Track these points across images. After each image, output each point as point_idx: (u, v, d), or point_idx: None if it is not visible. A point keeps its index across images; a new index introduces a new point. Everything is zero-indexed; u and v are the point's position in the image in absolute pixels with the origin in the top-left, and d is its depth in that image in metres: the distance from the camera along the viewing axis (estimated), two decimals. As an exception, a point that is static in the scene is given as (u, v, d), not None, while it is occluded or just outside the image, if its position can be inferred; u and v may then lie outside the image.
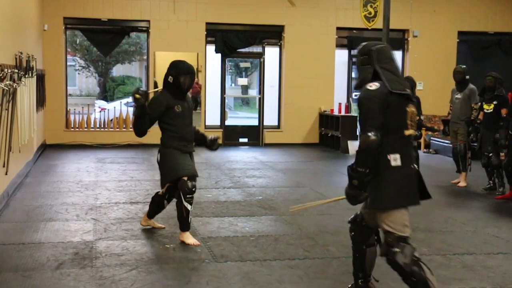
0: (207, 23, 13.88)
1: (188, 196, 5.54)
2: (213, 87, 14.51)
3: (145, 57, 16.59)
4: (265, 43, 14.55)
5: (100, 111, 16.72)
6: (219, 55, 14.26)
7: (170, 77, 5.66)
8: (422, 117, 9.18)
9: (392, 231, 3.74)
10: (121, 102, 19.21)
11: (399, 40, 14.69)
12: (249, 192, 8.36)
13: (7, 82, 6.70)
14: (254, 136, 14.48)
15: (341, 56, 15.15)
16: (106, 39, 13.90)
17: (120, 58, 29.44)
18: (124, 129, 13.66)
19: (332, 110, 14.15)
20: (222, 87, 14.52)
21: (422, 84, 13.97)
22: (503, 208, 7.71)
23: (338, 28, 14.55)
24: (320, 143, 14.47)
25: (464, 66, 9.25)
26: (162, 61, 13.12)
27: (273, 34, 14.44)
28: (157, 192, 6.06)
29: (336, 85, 14.74)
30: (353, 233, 4.13)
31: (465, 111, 8.98)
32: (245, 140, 14.44)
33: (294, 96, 14.33)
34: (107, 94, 30.58)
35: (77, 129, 13.61)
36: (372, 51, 3.87)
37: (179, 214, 5.60)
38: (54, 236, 5.86)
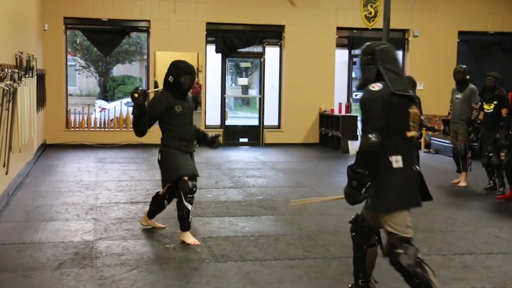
0: (207, 23, 13.88)
1: (188, 196, 5.55)
2: (213, 87, 14.51)
3: (145, 57, 16.59)
4: (265, 43, 14.55)
5: (101, 111, 16.72)
6: (219, 55, 14.25)
7: (170, 77, 5.66)
8: (422, 117, 9.17)
9: (395, 232, 3.73)
10: (121, 102, 19.21)
11: (400, 40, 14.68)
12: (249, 192, 8.36)
13: (8, 82, 6.70)
14: (254, 136, 14.48)
15: (342, 56, 15.15)
16: (106, 39, 13.90)
17: (121, 58, 29.46)
18: (125, 129, 13.66)
19: (332, 110, 14.15)
20: (222, 87, 14.52)
21: (423, 84, 13.96)
22: (503, 208, 7.71)
23: (338, 28, 14.55)
24: (320, 143, 14.47)
25: (465, 66, 9.24)
26: (162, 61, 13.12)
27: (273, 34, 14.44)
28: (158, 192, 6.07)
29: (336, 85, 14.74)
30: (354, 234, 4.12)
31: (465, 111, 8.98)
32: (245, 140, 14.44)
33: (295, 96, 14.33)
34: (107, 94, 30.60)
35: (77, 129, 13.61)
36: (376, 51, 3.85)
37: (179, 214, 5.61)
38: (55, 236, 5.86)
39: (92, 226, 6.29)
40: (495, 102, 8.54)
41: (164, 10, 13.63)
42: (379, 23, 11.27)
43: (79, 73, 31.74)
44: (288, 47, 14.33)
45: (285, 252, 5.48)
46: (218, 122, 14.27)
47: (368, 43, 4.00)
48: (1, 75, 6.49)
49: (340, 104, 13.99)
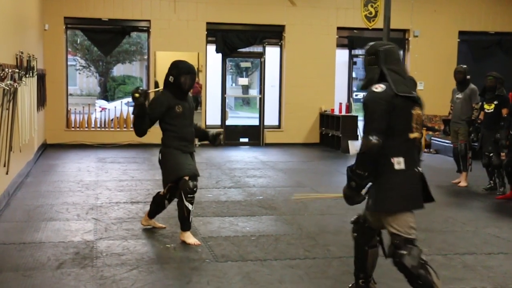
0: (207, 23, 13.88)
1: (189, 195, 5.54)
2: (213, 87, 14.51)
3: (145, 57, 16.60)
4: (266, 43, 14.55)
5: (101, 111, 16.73)
6: (220, 55, 14.25)
7: (171, 77, 5.66)
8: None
9: (398, 233, 3.72)
10: (121, 102, 19.24)
11: (400, 40, 14.68)
12: (250, 192, 8.36)
13: (8, 82, 6.70)
14: (254, 136, 14.48)
15: (342, 56, 15.15)
16: (106, 39, 13.90)
17: (121, 57, 29.47)
18: (125, 129, 13.66)
19: (332, 110, 14.14)
20: (223, 87, 14.52)
21: (423, 84, 13.96)
22: (503, 208, 7.71)
23: (338, 28, 14.54)
24: (321, 143, 14.47)
25: (465, 66, 9.24)
26: (162, 60, 13.11)
27: (273, 34, 14.44)
28: (158, 192, 6.07)
29: (336, 85, 14.73)
30: (355, 234, 4.10)
31: (465, 111, 8.97)
32: (246, 140, 14.44)
33: (295, 96, 14.33)
34: (107, 93, 30.62)
35: (77, 129, 13.61)
36: (379, 51, 3.83)
37: (180, 214, 5.61)
38: (55, 236, 5.86)
39: (92, 226, 6.29)
40: (495, 102, 8.53)
41: (165, 10, 13.63)
42: (379, 23, 11.27)
43: (79, 73, 31.77)
44: (288, 47, 14.33)
45: (285, 252, 5.48)
46: (218, 122, 14.26)
47: (372, 43, 3.98)
48: (2, 75, 6.49)
49: (340, 104, 13.99)
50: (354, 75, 15.95)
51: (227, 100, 15.16)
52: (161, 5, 13.63)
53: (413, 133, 3.77)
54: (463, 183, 9.14)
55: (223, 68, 14.55)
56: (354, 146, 13.01)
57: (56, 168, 10.33)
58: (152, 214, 6.14)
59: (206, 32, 13.89)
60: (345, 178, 3.86)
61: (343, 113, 13.76)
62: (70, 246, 5.52)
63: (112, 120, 14.06)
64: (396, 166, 3.71)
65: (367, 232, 4.04)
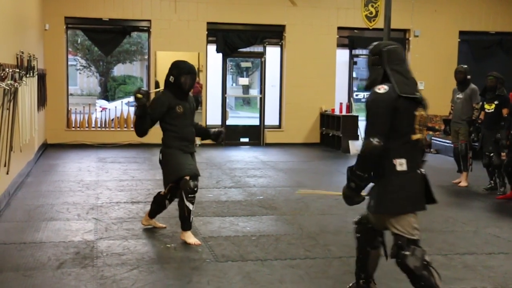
0: (208, 23, 13.88)
1: (190, 195, 5.55)
2: (214, 86, 14.51)
3: (146, 57, 16.59)
4: (266, 43, 14.56)
5: (101, 111, 16.74)
6: (220, 54, 14.26)
7: (171, 77, 5.67)
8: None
9: (401, 234, 3.71)
10: (122, 101, 19.25)
11: (400, 40, 14.66)
12: (250, 192, 8.36)
13: (8, 82, 6.70)
14: (255, 135, 14.48)
15: (342, 56, 15.15)
16: (107, 39, 13.91)
17: (121, 57, 29.47)
18: (125, 129, 13.66)
19: (333, 110, 14.14)
20: (223, 86, 14.53)
21: (423, 84, 13.95)
22: (504, 208, 7.71)
23: (339, 28, 14.54)
24: (321, 143, 14.47)
25: (466, 66, 9.23)
26: (163, 60, 13.11)
27: (274, 33, 14.44)
28: (159, 192, 6.07)
29: (337, 85, 14.73)
30: (358, 235, 4.08)
31: (466, 111, 8.97)
32: (246, 139, 14.44)
33: (295, 95, 14.32)
34: (108, 93, 30.61)
35: (78, 129, 13.62)
36: (383, 51, 3.81)
37: (180, 214, 5.61)
38: (55, 236, 5.86)
39: (93, 225, 6.29)
40: (496, 102, 8.53)
41: (165, 10, 13.63)
42: (380, 23, 11.30)
43: (80, 73, 31.76)
44: (289, 47, 14.32)
45: (286, 252, 5.48)
46: (219, 122, 14.26)
47: (375, 43, 3.96)
48: (2, 74, 6.49)
49: (341, 104, 13.98)
50: (354, 75, 15.95)
51: (227, 100, 15.15)
52: (162, 5, 13.62)
53: (415, 134, 3.75)
54: (463, 183, 9.14)
55: (224, 68, 14.55)
56: (355, 146, 13.02)
57: (57, 168, 10.33)
58: (152, 214, 6.14)
59: (206, 32, 13.89)
60: (346, 178, 3.86)
61: (344, 113, 13.76)
62: (71, 246, 5.52)
63: (112, 120, 14.07)
64: (398, 168, 3.70)
65: (370, 233, 4.02)
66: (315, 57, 14.28)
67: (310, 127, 14.54)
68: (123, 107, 15.47)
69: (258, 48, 14.91)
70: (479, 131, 8.78)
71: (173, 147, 5.66)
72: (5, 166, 6.91)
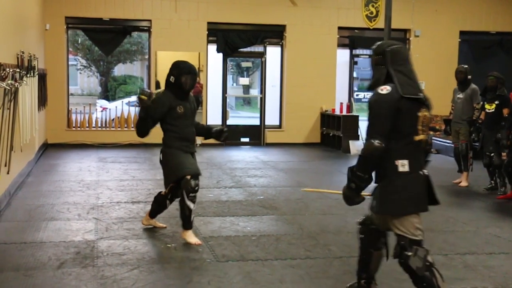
0: (208, 23, 13.88)
1: (191, 194, 5.55)
2: (214, 86, 14.51)
3: (146, 57, 16.60)
4: (267, 43, 14.55)
5: (102, 111, 16.73)
6: (221, 54, 14.26)
7: (172, 77, 5.67)
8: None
9: (404, 234, 3.70)
10: (122, 101, 19.23)
11: (401, 39, 14.64)
12: (251, 192, 8.36)
13: (9, 82, 6.70)
14: (255, 135, 14.48)
15: (343, 55, 15.15)
16: (107, 39, 13.91)
17: (122, 57, 29.46)
18: (126, 129, 13.66)
19: (333, 110, 14.14)
20: (224, 86, 14.53)
21: (424, 84, 13.89)
22: (504, 208, 7.71)
23: (339, 28, 14.54)
24: (322, 142, 14.47)
25: (466, 66, 9.23)
26: (163, 60, 13.12)
27: (274, 33, 14.43)
28: (160, 192, 6.07)
29: (337, 85, 14.73)
30: (362, 236, 4.06)
31: (467, 111, 8.97)
32: (247, 139, 14.44)
33: (296, 95, 14.32)
34: (108, 93, 30.60)
35: (78, 129, 13.62)
36: (386, 51, 3.79)
37: (181, 213, 5.61)
38: (56, 236, 5.87)
39: (93, 225, 6.29)
40: (496, 102, 8.53)
41: (166, 10, 13.63)
42: (380, 23, 11.30)
43: (80, 73, 31.76)
44: (289, 47, 14.32)
45: (286, 251, 5.48)
46: (219, 122, 14.25)
47: (379, 42, 3.94)
48: (3, 74, 6.49)
49: (341, 104, 13.98)
50: (355, 75, 15.94)
51: (228, 100, 15.15)
52: (162, 5, 13.63)
53: (418, 135, 3.73)
54: (464, 183, 9.13)
55: (224, 67, 14.55)
56: (355, 146, 13.02)
57: (57, 167, 10.33)
58: (153, 213, 6.14)
59: (207, 32, 13.89)
60: (346, 178, 3.86)
61: (344, 113, 13.77)
62: (71, 245, 5.52)
63: (113, 119, 14.07)
64: (400, 169, 3.68)
65: (374, 234, 4.00)
66: (316, 57, 14.27)
67: (311, 127, 14.54)
68: (123, 107, 15.45)
69: (258, 48, 14.91)
70: (479, 131, 8.78)
71: (173, 147, 5.67)
72: (5, 165, 6.91)
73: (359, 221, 4.12)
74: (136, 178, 9.26)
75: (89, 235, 5.92)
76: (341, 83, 15.01)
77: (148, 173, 9.77)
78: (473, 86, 9.02)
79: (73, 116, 13.79)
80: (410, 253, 3.67)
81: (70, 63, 14.89)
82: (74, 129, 13.58)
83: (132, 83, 30.49)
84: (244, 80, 21.64)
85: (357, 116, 13.78)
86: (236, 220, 6.67)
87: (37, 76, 9.77)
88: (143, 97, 5.56)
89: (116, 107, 15.60)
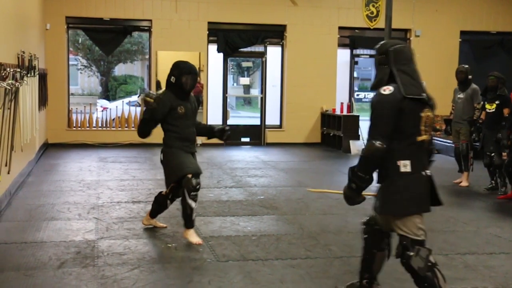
0: (209, 23, 13.88)
1: (192, 193, 5.54)
2: (215, 86, 14.51)
3: (147, 57, 16.59)
4: (267, 43, 14.55)
5: (102, 111, 16.74)
6: (221, 54, 14.26)
7: (172, 77, 5.68)
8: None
9: (406, 234, 3.70)
10: (123, 101, 19.26)
11: (401, 39, 14.62)
12: (251, 192, 8.36)
13: (10, 81, 6.70)
14: (256, 135, 14.48)
15: (343, 55, 15.15)
16: (108, 38, 13.92)
17: (122, 57, 29.47)
18: (126, 129, 13.66)
19: (334, 110, 14.15)
20: (224, 86, 14.53)
21: (424, 83, 13.88)
22: (505, 208, 7.70)
23: (340, 28, 14.53)
24: (322, 142, 14.47)
25: (467, 66, 9.23)
26: (164, 60, 13.12)
27: (275, 33, 14.43)
28: (160, 192, 6.07)
29: (338, 85, 14.73)
30: (366, 236, 4.05)
31: (467, 111, 8.96)
32: (247, 139, 14.44)
33: (296, 95, 14.33)
34: (109, 93, 30.61)
35: (79, 128, 13.62)
36: (389, 51, 3.77)
37: (183, 212, 5.61)
38: (56, 235, 5.87)
39: (93, 225, 6.30)
40: (497, 102, 8.53)
41: (166, 10, 13.63)
42: (381, 23, 11.29)
43: (81, 73, 31.78)
44: (290, 47, 14.32)
45: (286, 251, 5.48)
46: (219, 122, 14.25)
47: (383, 42, 3.93)
48: (3, 74, 6.49)
49: (341, 103, 13.99)
50: (355, 75, 15.94)
51: (228, 100, 15.15)
52: (163, 5, 13.63)
53: (421, 136, 3.70)
54: (464, 183, 9.13)
55: (225, 67, 14.55)
56: (356, 146, 13.02)
57: (58, 167, 10.33)
58: (153, 213, 6.14)
59: (207, 32, 13.89)
60: (347, 177, 3.86)
61: (345, 113, 13.77)
62: (72, 245, 5.52)
63: (113, 119, 14.07)
64: (402, 169, 3.67)
65: (377, 234, 3.98)
66: (316, 57, 14.27)
67: (311, 127, 14.54)
68: (124, 106, 15.46)
69: (259, 48, 14.91)
70: (480, 131, 8.77)
71: (174, 147, 5.67)
72: (6, 165, 6.92)
73: (363, 221, 4.11)
74: (136, 178, 9.26)
75: (89, 234, 5.92)
76: (341, 83, 15.01)
77: (148, 173, 9.77)
78: (474, 86, 9.02)
79: (74, 116, 13.79)
80: (412, 253, 3.66)
81: (70, 63, 14.89)
82: (74, 129, 13.58)
83: (133, 83, 30.51)
84: (245, 80, 21.65)
85: (358, 116, 13.79)
86: (237, 220, 6.67)
87: (37, 76, 9.78)
88: (149, 99, 5.57)
89: (116, 107, 15.61)
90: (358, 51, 15.35)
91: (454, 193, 8.70)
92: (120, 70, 33.14)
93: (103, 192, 8.12)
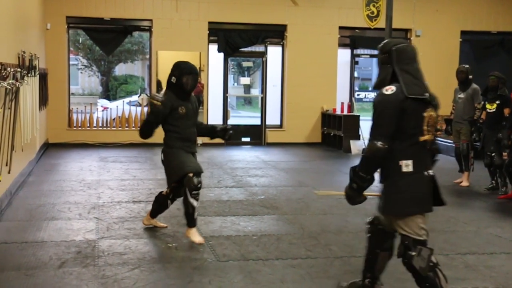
0: (209, 22, 13.88)
1: (193, 192, 5.54)
2: (215, 86, 14.51)
3: (147, 56, 16.60)
4: (268, 43, 14.55)
5: (103, 110, 16.75)
6: (222, 54, 14.26)
7: (173, 77, 5.68)
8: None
9: (408, 234, 3.69)
10: (123, 101, 19.27)
11: (402, 39, 14.65)
12: (252, 192, 8.36)
13: (10, 81, 6.70)
14: (256, 135, 14.48)
15: (344, 55, 15.15)
16: (108, 38, 13.92)
17: (123, 57, 29.47)
18: (127, 128, 13.66)
19: (334, 110, 14.14)
20: (225, 86, 14.53)
21: (427, 83, 13.93)
22: (505, 208, 7.70)
23: (340, 28, 14.54)
24: (323, 142, 14.47)
25: (467, 66, 9.23)
26: (164, 60, 13.12)
27: (275, 33, 14.43)
28: (161, 192, 6.07)
29: (338, 85, 14.74)
30: (369, 235, 4.05)
31: (468, 111, 8.96)
32: (248, 139, 14.44)
33: (297, 95, 14.32)
34: (109, 93, 30.62)
35: (79, 128, 13.62)
36: (392, 50, 3.76)
37: (185, 211, 5.61)
38: (57, 235, 5.87)
39: (94, 225, 6.30)
40: (497, 102, 8.53)
41: (167, 9, 13.63)
42: (381, 23, 11.28)
43: (81, 72, 31.78)
44: (290, 47, 14.32)
45: (287, 251, 5.48)
46: (220, 122, 14.25)
47: (386, 41, 3.91)
48: (4, 74, 6.49)
49: (342, 103, 13.99)
50: (356, 74, 15.93)
51: (229, 100, 15.15)
52: (163, 5, 13.63)
53: (423, 136, 3.69)
54: (465, 183, 9.13)
55: (225, 67, 14.55)
56: (356, 146, 13.02)
57: (58, 167, 10.33)
58: (154, 213, 6.14)
59: (208, 32, 13.89)
60: (347, 177, 3.86)
61: (345, 112, 13.77)
62: (72, 245, 5.52)
63: (114, 119, 14.07)
64: (404, 169, 3.66)
65: (381, 234, 3.98)
66: (317, 57, 14.27)
67: (312, 127, 14.54)
68: (124, 106, 15.47)
69: (259, 48, 14.91)
70: (480, 131, 8.77)
71: (174, 147, 5.67)
72: (6, 165, 6.92)
73: (368, 220, 4.11)
74: (137, 178, 9.26)
75: (90, 234, 5.92)
76: (342, 83, 15.01)
77: (149, 173, 9.78)
78: (474, 86, 9.02)
79: (74, 116, 13.79)
80: (413, 253, 3.65)
81: (71, 62, 14.91)
82: (75, 128, 13.58)
83: (133, 83, 30.52)
84: (245, 80, 21.66)
85: (358, 116, 13.78)
86: (237, 220, 6.67)
87: (38, 75, 9.78)
88: (155, 102, 5.58)
89: (117, 106, 15.63)
90: (358, 51, 15.35)
91: (454, 193, 8.70)
92: (120, 70, 33.15)
93: (103, 192, 8.12)
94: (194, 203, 5.56)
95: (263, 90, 14.66)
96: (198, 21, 13.78)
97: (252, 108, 26.84)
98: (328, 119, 14.24)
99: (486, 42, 15.35)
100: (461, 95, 9.07)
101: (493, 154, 8.45)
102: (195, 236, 5.66)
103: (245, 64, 21.85)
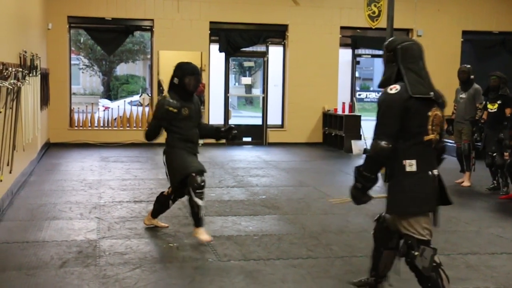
0: (211, 22, 13.88)
1: (198, 191, 5.54)
2: (216, 86, 14.51)
3: (149, 56, 16.63)
4: (269, 42, 14.55)
5: (104, 110, 16.76)
6: (223, 54, 14.26)
7: (175, 78, 5.69)
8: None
9: (411, 234, 3.68)
10: (124, 101, 19.30)
11: (403, 39, 14.63)
12: (253, 191, 8.36)
13: (12, 81, 6.71)
14: (257, 135, 14.48)
15: (345, 55, 15.15)
16: (110, 38, 13.93)
17: (124, 57, 29.51)
18: (128, 128, 13.65)
19: (335, 110, 14.14)
20: (226, 86, 14.53)
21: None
22: (507, 208, 7.70)
23: (342, 27, 14.53)
24: (324, 142, 14.46)
25: (469, 66, 9.22)
26: (166, 60, 13.14)
27: (277, 33, 14.43)
28: (162, 192, 6.07)
29: (339, 85, 14.73)
30: (374, 233, 4.05)
31: (469, 111, 8.96)
32: (249, 139, 14.44)
33: (298, 95, 14.32)
34: (111, 93, 30.66)
35: (81, 128, 13.63)
36: (397, 48, 3.74)
37: (191, 211, 5.62)
38: (58, 235, 5.87)
39: (95, 225, 6.30)
40: (499, 102, 8.52)
41: (168, 9, 13.64)
42: (382, 23, 11.25)
43: (82, 72, 31.83)
44: (291, 47, 14.32)
45: (288, 251, 5.48)
46: (221, 121, 14.26)
47: (391, 39, 3.89)
48: (5, 74, 6.50)
49: (343, 103, 13.98)
50: (357, 74, 15.93)
51: (230, 100, 15.15)
52: (165, 5, 13.63)
53: (428, 135, 3.67)
54: (466, 183, 9.12)
55: (226, 67, 14.55)
56: (357, 146, 13.01)
57: (59, 167, 10.34)
58: (155, 213, 6.14)
59: (209, 32, 13.89)
60: (348, 177, 3.86)
61: (346, 112, 13.76)
62: (73, 245, 5.52)
63: (115, 119, 14.07)
64: (408, 168, 3.64)
65: (385, 233, 3.97)
66: (318, 57, 14.27)
67: (313, 127, 14.54)
68: (125, 106, 15.48)
69: (260, 48, 14.91)
70: (482, 131, 8.76)
71: (176, 147, 5.68)
72: (8, 165, 6.92)
73: (375, 218, 4.11)
74: (138, 178, 9.27)
75: (91, 234, 5.93)
76: (343, 82, 15.01)
77: (150, 173, 9.78)
78: (476, 86, 9.01)
79: (75, 116, 13.80)
80: (416, 253, 3.64)
81: (72, 62, 14.92)
82: (76, 128, 13.59)
83: (135, 83, 30.55)
84: (246, 80, 21.67)
85: (359, 116, 13.78)
86: (238, 220, 6.67)
87: (39, 75, 9.79)
88: (172, 109, 5.58)
89: (118, 106, 15.61)
90: (359, 51, 15.35)
91: (456, 193, 8.68)
92: (122, 69, 33.18)
93: (104, 191, 8.13)
94: (199, 202, 5.56)
95: (264, 90, 14.66)
96: (199, 21, 13.78)
97: (253, 108, 26.86)
98: (329, 119, 14.23)
99: (488, 42, 15.34)
100: (463, 95, 9.06)
101: (494, 154, 8.44)
102: (203, 234, 5.64)
103: (246, 64, 21.84)
